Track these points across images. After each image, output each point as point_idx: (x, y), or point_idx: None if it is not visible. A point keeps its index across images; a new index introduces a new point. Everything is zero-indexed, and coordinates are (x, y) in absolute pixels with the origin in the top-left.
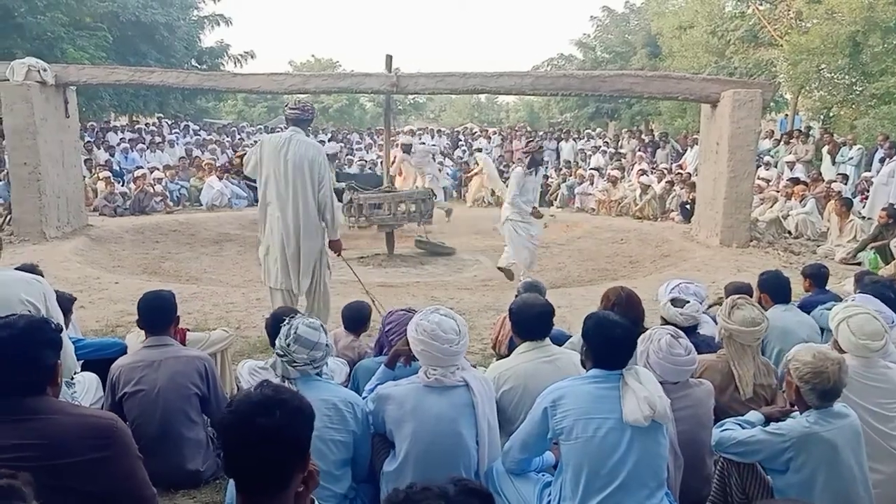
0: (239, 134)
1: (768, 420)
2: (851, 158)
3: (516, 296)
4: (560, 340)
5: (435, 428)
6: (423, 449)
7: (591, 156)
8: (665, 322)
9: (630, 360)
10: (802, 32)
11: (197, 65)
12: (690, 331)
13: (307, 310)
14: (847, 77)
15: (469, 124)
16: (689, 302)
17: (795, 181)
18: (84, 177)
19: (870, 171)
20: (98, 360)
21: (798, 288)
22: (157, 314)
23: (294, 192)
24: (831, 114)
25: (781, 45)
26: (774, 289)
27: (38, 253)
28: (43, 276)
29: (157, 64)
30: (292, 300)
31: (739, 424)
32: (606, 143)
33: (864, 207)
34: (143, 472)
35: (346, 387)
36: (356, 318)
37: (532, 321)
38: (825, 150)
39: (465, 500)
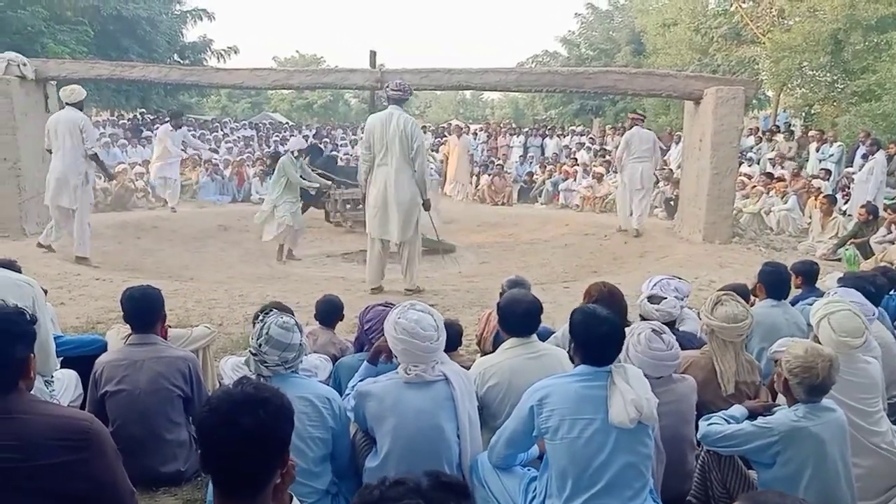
0: (223, 129)
1: (752, 415)
2: (832, 155)
3: (501, 293)
4: (544, 336)
5: (416, 423)
6: (405, 444)
7: (575, 152)
8: (643, 319)
9: (618, 356)
10: (785, 30)
11: (179, 60)
12: (668, 327)
13: (400, 260)
14: (828, 74)
15: (454, 121)
16: (665, 298)
17: (769, 176)
18: None
19: (851, 167)
20: (78, 357)
21: None
22: (144, 312)
23: (395, 155)
24: (813, 111)
25: (764, 43)
26: (771, 283)
27: (18, 249)
28: (21, 272)
29: (138, 59)
30: (385, 251)
31: (725, 419)
32: (591, 139)
33: (845, 204)
34: (122, 472)
35: (328, 384)
36: (330, 311)
37: (520, 317)
38: (813, 146)
39: (439, 495)
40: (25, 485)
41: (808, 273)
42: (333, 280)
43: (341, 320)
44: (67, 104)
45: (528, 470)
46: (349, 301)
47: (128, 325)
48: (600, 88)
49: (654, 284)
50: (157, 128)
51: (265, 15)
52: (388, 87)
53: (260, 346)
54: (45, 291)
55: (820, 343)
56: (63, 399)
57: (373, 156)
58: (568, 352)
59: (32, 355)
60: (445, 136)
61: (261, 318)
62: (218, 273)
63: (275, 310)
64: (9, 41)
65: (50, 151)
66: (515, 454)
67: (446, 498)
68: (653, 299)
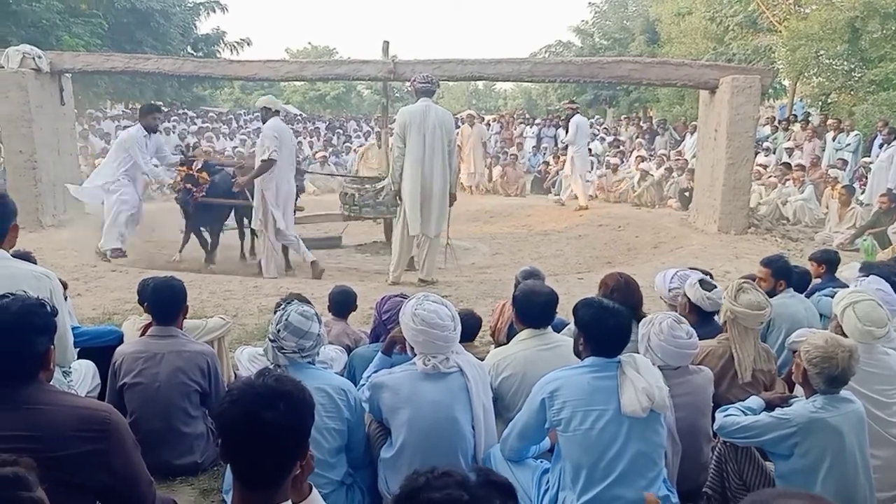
0: (237, 121)
1: (769, 406)
2: (849, 145)
3: (516, 284)
4: (558, 328)
5: (431, 414)
6: (420, 435)
7: (589, 143)
8: (689, 302)
9: (626, 346)
10: (801, 18)
11: (193, 52)
12: (711, 316)
13: (419, 251)
14: (846, 63)
15: (466, 111)
16: (716, 287)
17: (787, 166)
18: (80, 165)
19: (869, 156)
20: (94, 347)
21: None
22: (167, 304)
23: (434, 148)
24: (829, 100)
25: (780, 31)
26: (787, 274)
27: (35, 241)
28: (36, 263)
29: (152, 51)
30: (410, 248)
31: (742, 410)
32: (605, 129)
33: (862, 193)
34: (140, 462)
35: (343, 375)
36: (344, 302)
37: (538, 309)
38: (829, 135)
39: (485, 492)
40: (46, 475)
41: (830, 262)
42: (346, 271)
43: (354, 311)
44: (276, 112)
45: (541, 462)
46: (362, 292)
47: (143, 316)
48: (614, 78)
49: (672, 277)
50: (173, 120)
51: (278, 7)
52: (414, 80)
53: (278, 331)
54: (66, 285)
55: (844, 332)
56: (80, 390)
57: (406, 149)
58: (577, 347)
59: (52, 347)
60: (458, 126)
61: (282, 306)
62: (232, 265)
63: (296, 300)
64: (24, 34)
65: (270, 161)
66: (528, 446)
67: (491, 496)
68: (705, 285)
